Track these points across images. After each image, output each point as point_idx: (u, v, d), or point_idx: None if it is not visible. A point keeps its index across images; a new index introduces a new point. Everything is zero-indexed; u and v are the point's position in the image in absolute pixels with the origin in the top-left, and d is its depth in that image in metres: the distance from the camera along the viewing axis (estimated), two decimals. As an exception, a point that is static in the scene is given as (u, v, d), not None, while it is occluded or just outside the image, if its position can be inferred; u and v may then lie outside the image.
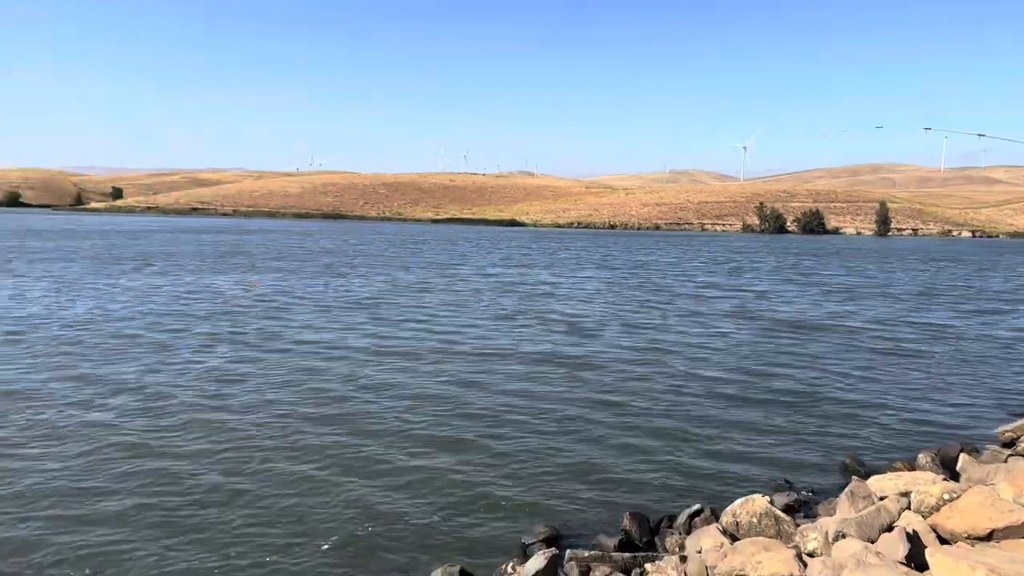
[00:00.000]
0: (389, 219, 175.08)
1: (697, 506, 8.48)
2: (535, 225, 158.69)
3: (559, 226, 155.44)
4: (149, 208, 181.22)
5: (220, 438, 10.74)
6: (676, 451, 10.69)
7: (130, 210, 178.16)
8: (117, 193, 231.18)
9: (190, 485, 9.04)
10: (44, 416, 11.53)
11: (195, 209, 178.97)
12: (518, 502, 8.79)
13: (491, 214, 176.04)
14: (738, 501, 7.84)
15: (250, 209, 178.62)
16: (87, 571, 6.99)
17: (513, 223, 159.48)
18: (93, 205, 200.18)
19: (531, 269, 42.83)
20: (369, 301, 25.24)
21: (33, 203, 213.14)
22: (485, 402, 12.70)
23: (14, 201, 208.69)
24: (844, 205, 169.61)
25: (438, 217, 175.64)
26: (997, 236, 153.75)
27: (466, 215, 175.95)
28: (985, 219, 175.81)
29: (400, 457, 10.13)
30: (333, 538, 7.78)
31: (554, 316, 22.93)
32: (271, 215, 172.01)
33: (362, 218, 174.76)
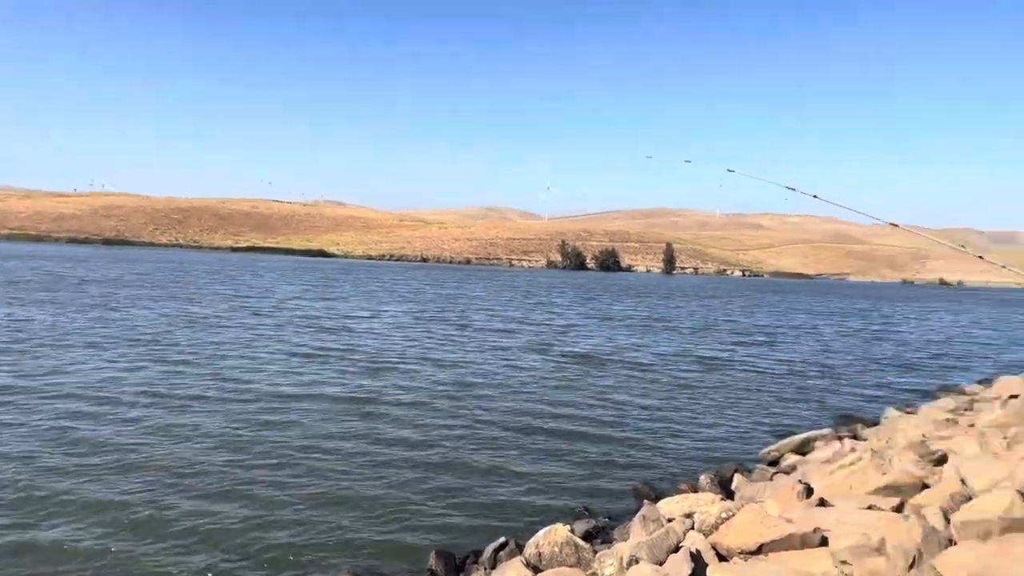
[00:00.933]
0: (183, 247, 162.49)
1: (502, 539, 8.54)
2: (346, 256, 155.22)
3: (371, 258, 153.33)
4: None
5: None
6: (480, 487, 10.74)
7: None
8: None
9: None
10: None
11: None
12: (317, 552, 8.32)
13: (298, 244, 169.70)
14: (541, 532, 8.00)
15: (14, 231, 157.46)
16: None
17: (322, 254, 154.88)
18: None
19: (337, 302, 41.63)
20: (147, 338, 22.86)
21: None
22: (274, 448, 11.83)
23: None
24: (637, 245, 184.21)
25: (238, 245, 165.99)
26: (762, 275, 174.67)
27: (270, 244, 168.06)
28: (752, 260, 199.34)
29: (175, 509, 9.21)
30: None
31: (355, 352, 22.21)
32: (39, 239, 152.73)
33: (151, 245, 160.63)
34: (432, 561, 7.96)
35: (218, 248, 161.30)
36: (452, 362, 21.20)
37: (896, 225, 9.21)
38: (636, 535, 7.93)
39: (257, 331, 25.93)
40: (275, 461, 11.20)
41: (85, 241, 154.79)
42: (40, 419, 12.83)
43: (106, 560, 7.81)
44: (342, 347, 23.09)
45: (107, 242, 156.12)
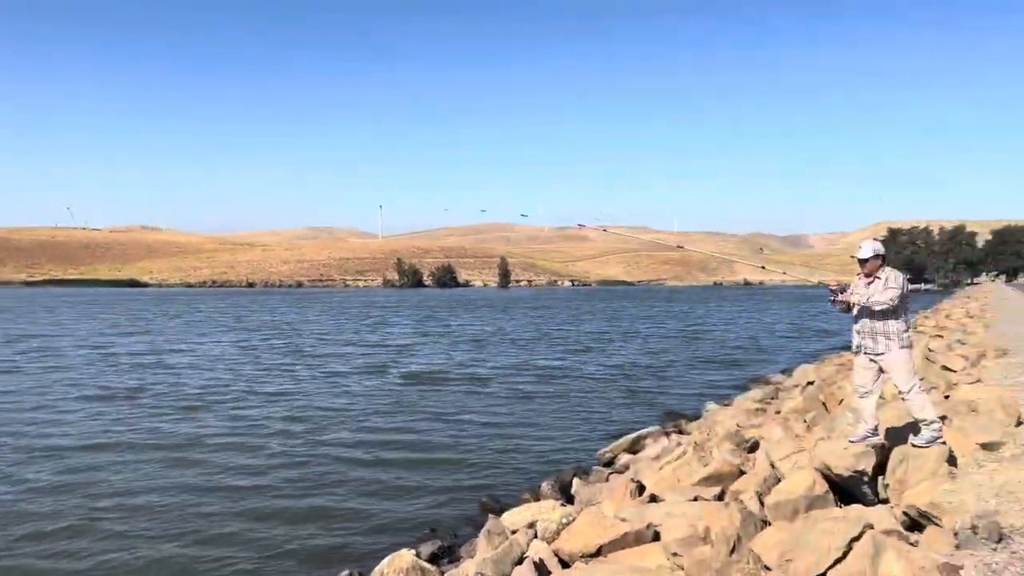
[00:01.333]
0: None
1: (346, 572, 8.20)
2: (160, 285, 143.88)
3: (190, 285, 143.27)
4: None
5: None
6: (318, 522, 10.24)
7: None
8: None
9: None
10: None
11: None
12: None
13: (105, 274, 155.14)
14: (385, 560, 7.75)
15: None
16: None
17: (134, 284, 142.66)
18: None
19: (148, 336, 38.36)
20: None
21: None
22: (77, 507, 10.53)
23: None
24: (472, 260, 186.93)
25: (33, 279, 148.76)
26: (589, 284, 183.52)
27: (72, 276, 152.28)
28: (580, 270, 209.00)
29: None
30: None
31: (171, 390, 20.29)
32: None
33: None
34: (269, 606, 7.45)
35: (8, 282, 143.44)
36: (282, 393, 20.02)
37: (583, 225, 10.28)
38: (482, 551, 7.91)
39: (53, 374, 23.21)
40: (78, 522, 9.99)
41: None
42: None
43: None
44: (155, 385, 21.15)
45: None
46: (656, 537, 6.07)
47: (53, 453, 13.38)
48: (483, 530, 8.58)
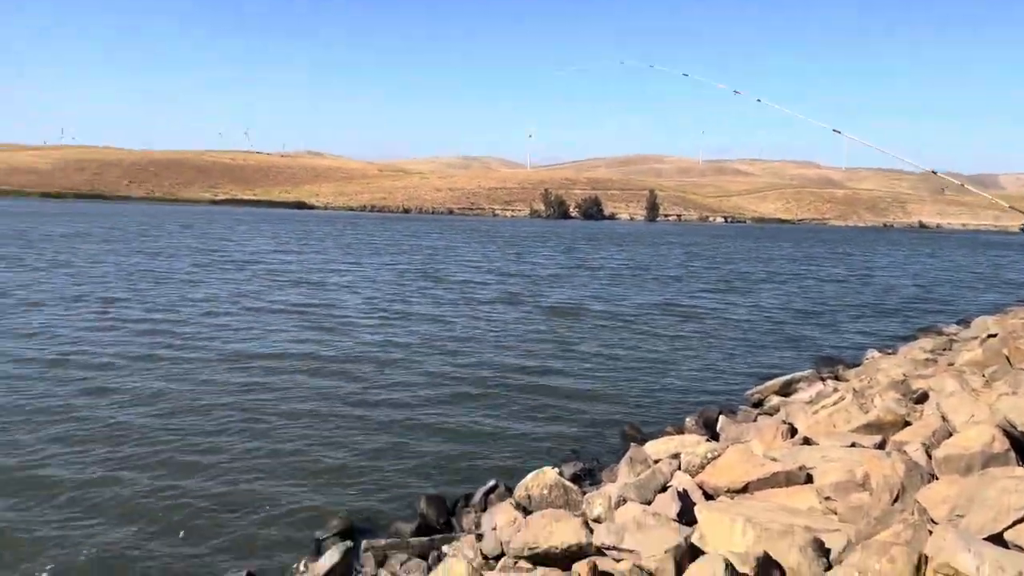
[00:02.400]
0: (160, 200, 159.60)
1: (492, 483, 8.67)
2: (325, 208, 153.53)
3: (351, 209, 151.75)
4: None
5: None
6: (469, 433, 10.85)
7: None
8: None
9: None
10: None
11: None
12: (309, 499, 8.40)
13: (277, 195, 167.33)
14: (530, 475, 8.10)
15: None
16: None
17: (302, 205, 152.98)
18: None
19: (312, 255, 41.26)
20: (103, 295, 22.35)
21: None
22: (256, 405, 11.68)
23: None
24: (619, 192, 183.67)
25: (216, 198, 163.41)
26: (744, 221, 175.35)
27: (249, 196, 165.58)
28: (734, 206, 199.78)
29: (169, 463, 9.23)
30: (102, 561, 6.90)
31: (331, 308, 21.64)
32: (10, 194, 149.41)
33: (127, 199, 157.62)
34: (423, 506, 8.05)
35: (196, 201, 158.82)
36: (431, 317, 20.85)
37: (839, 132, 9.39)
38: (623, 476, 8.06)
39: (229, 287, 25.65)
40: (256, 418, 11.18)
41: (58, 196, 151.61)
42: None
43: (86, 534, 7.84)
44: (311, 301, 22.77)
45: (80, 196, 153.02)
46: (808, 480, 5.90)
47: (226, 360, 14.99)
48: (625, 457, 8.72)
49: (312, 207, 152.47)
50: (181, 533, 7.43)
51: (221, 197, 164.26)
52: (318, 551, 7.10)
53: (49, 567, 6.69)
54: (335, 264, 35.52)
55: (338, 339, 17.02)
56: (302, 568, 6.78)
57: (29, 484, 8.41)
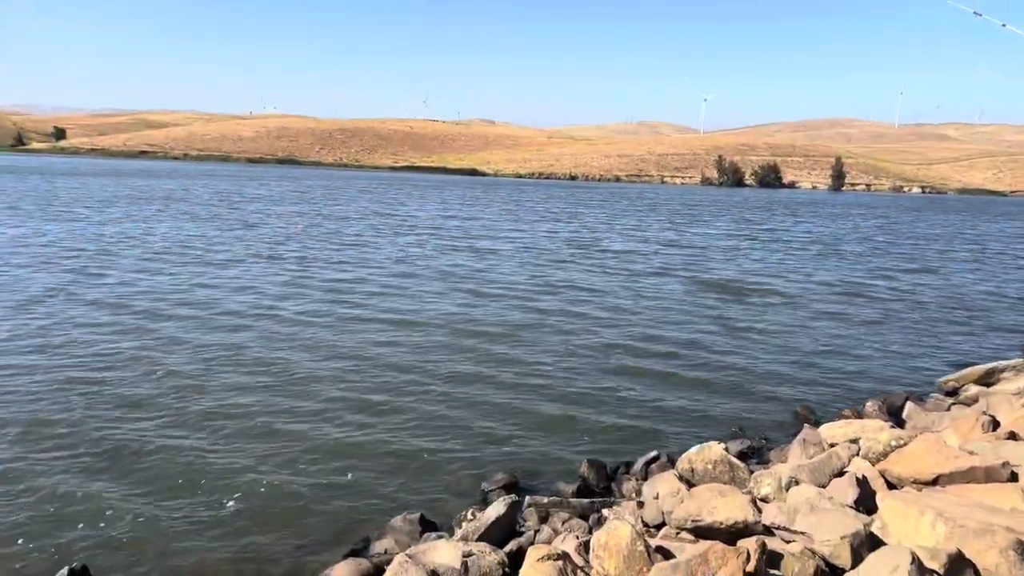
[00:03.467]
0: (346, 166, 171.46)
1: (654, 453, 8.62)
2: (496, 175, 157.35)
3: (520, 176, 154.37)
4: (94, 150, 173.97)
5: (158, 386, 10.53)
6: (630, 403, 10.81)
7: (74, 152, 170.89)
8: (59, 134, 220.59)
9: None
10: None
11: (143, 152, 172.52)
12: (476, 454, 8.81)
13: (451, 162, 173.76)
14: (694, 448, 7.97)
15: (201, 153, 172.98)
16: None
17: (474, 172, 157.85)
18: (34, 146, 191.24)
19: (478, 221, 42.45)
20: (276, 252, 24.49)
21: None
22: (427, 367, 12.23)
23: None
24: (801, 159, 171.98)
25: (396, 164, 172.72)
26: (946, 192, 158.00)
27: (425, 163, 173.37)
28: (936, 175, 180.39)
29: (351, 415, 10.01)
30: (295, 494, 7.71)
31: (495, 276, 22.23)
32: (224, 159, 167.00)
33: (318, 164, 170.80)
34: (584, 469, 8.18)
35: (378, 167, 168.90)
36: (593, 288, 20.55)
37: None
38: (795, 458, 7.72)
39: (398, 251, 27.05)
40: (430, 375, 11.82)
41: (260, 160, 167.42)
42: (184, 331, 14.39)
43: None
44: (481, 268, 23.33)
45: (279, 161, 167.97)
46: (1013, 478, 5.33)
47: (398, 322, 15.94)
48: (798, 438, 8.33)
49: (483, 174, 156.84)
50: (349, 475, 8.08)
51: (400, 164, 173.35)
52: (484, 501, 7.46)
53: (260, 493, 7.57)
54: (498, 230, 36.34)
55: (501, 306, 17.36)
56: (469, 516, 7.15)
57: (243, 426, 9.53)
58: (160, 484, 7.63)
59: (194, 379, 10.89)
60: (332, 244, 27.19)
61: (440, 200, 61.30)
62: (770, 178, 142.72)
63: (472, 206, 54.83)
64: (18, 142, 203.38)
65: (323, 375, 11.39)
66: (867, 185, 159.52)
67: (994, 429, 7.05)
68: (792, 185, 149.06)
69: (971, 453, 5.73)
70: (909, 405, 9.91)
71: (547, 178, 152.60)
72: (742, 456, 8.56)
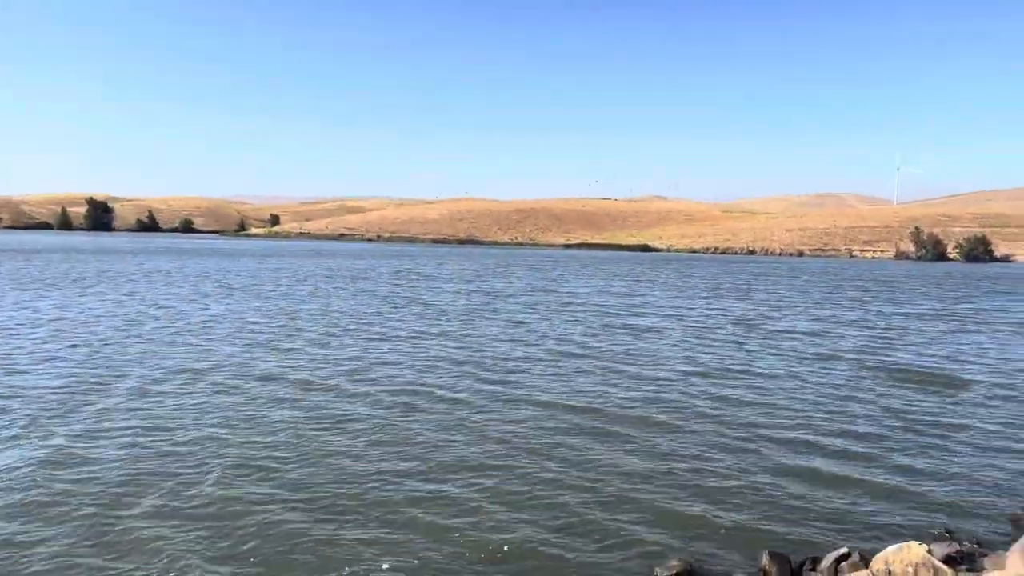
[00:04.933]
0: (521, 244, 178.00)
1: (844, 549, 8.02)
2: (668, 250, 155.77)
3: (694, 251, 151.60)
4: (302, 234, 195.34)
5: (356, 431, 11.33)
6: (819, 489, 10.16)
7: (286, 235, 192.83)
8: (274, 220, 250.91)
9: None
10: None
11: (342, 235, 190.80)
12: (649, 533, 8.67)
13: (623, 239, 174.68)
14: (892, 547, 7.35)
15: (392, 235, 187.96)
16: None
17: (646, 248, 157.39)
18: (254, 231, 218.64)
19: (634, 298, 41.91)
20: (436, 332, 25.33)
21: (203, 229, 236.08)
22: (594, 448, 12.25)
23: (188, 227, 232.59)
24: (1017, 230, 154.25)
25: (569, 242, 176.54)
26: None
27: (597, 240, 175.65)
28: None
29: (519, 484, 10.23)
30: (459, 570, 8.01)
31: (650, 359, 21.81)
32: (411, 240, 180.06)
33: (495, 243, 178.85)
34: (766, 561, 7.79)
35: (551, 245, 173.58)
36: (762, 373, 19.34)
37: None
38: (1015, 566, 6.88)
39: (552, 328, 27.37)
40: (594, 460, 11.83)
41: (443, 241, 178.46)
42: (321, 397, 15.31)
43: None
44: (635, 351, 22.91)
45: (460, 241, 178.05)
46: None
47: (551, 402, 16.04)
48: (1017, 544, 7.42)
49: (656, 249, 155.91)
50: (523, 554, 8.23)
51: (573, 241, 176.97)
52: (658, 586, 7.30)
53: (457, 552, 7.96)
54: (661, 307, 35.32)
55: (662, 391, 16.37)
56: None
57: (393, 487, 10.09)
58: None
59: (352, 459, 11.66)
60: (492, 321, 28.10)
61: (605, 275, 61.58)
62: (978, 251, 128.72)
63: (638, 282, 54.44)
64: (241, 228, 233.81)
65: (473, 456, 11.42)
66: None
67: None
68: (1006, 259, 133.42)
69: None
70: None
71: (723, 253, 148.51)
72: (948, 561, 7.72)
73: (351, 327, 25.16)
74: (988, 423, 13.91)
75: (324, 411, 13.74)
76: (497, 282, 49.82)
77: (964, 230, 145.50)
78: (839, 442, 12.51)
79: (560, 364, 19.24)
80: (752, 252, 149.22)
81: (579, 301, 37.25)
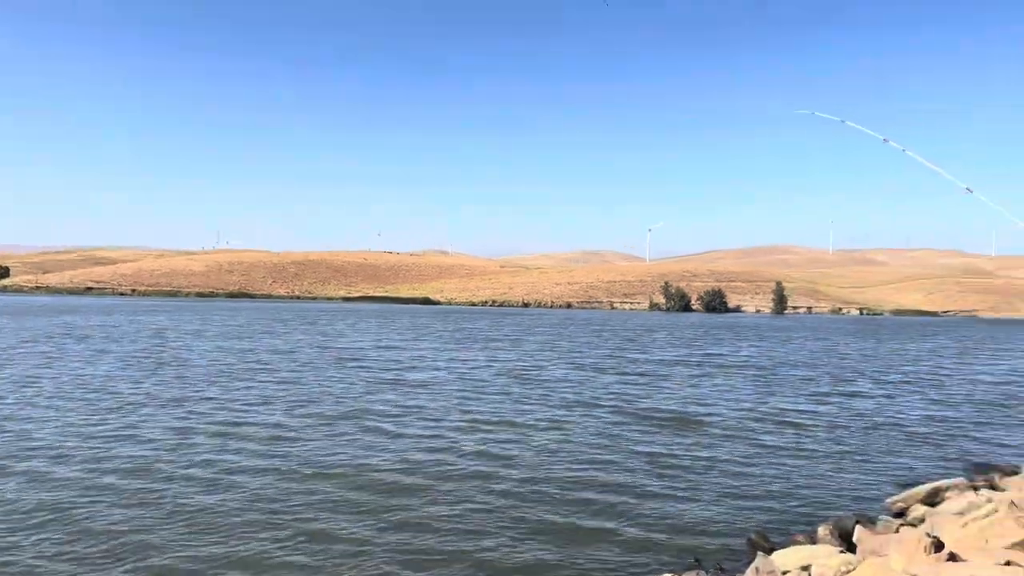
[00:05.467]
0: (299, 298, 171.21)
1: (609, 589, 8.42)
2: (449, 303, 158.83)
3: (473, 304, 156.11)
4: (38, 287, 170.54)
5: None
6: (572, 538, 10.58)
7: (17, 289, 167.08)
8: (3, 272, 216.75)
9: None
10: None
11: (89, 288, 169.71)
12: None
13: (405, 292, 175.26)
14: (649, 582, 7.83)
15: (150, 288, 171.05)
16: None
17: (427, 301, 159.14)
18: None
19: (410, 352, 42.35)
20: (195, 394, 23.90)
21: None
22: (365, 505, 12.05)
23: None
24: (744, 284, 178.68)
25: (350, 295, 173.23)
26: (881, 313, 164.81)
27: (379, 293, 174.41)
28: (872, 298, 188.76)
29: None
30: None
31: (422, 413, 22.24)
32: (172, 294, 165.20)
33: (269, 296, 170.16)
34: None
35: (331, 298, 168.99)
36: (521, 423, 20.04)
37: (971, 191, 8.95)
38: (749, 588, 7.63)
39: (324, 386, 26.76)
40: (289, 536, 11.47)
41: (211, 295, 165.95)
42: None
43: None
44: (406, 403, 22.99)
45: (230, 295, 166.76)
46: (954, 601, 5.39)
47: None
48: (751, 567, 8.27)
49: (437, 302, 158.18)
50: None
51: (354, 294, 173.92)
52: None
53: None
54: (436, 360, 35.43)
55: (408, 447, 15.85)
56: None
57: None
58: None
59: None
60: (262, 382, 26.51)
61: (385, 329, 60.99)
62: (716, 303, 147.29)
63: (419, 335, 54.38)
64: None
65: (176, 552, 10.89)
66: (808, 308, 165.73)
67: (937, 551, 7.14)
68: (737, 309, 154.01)
69: (914, 576, 5.80)
70: (859, 528, 9.96)
71: (501, 305, 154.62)
72: (697, 588, 8.42)
73: (90, 395, 21.99)
74: (726, 458, 15.58)
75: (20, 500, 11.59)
76: (271, 339, 47.05)
77: (704, 284, 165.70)
78: (593, 492, 12.82)
79: (329, 427, 17.89)
80: (527, 304, 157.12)
81: (357, 356, 36.28)
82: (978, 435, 19.14)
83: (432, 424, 18.68)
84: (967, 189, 8.95)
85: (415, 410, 20.68)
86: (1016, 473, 13.55)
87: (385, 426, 18.21)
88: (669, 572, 8.00)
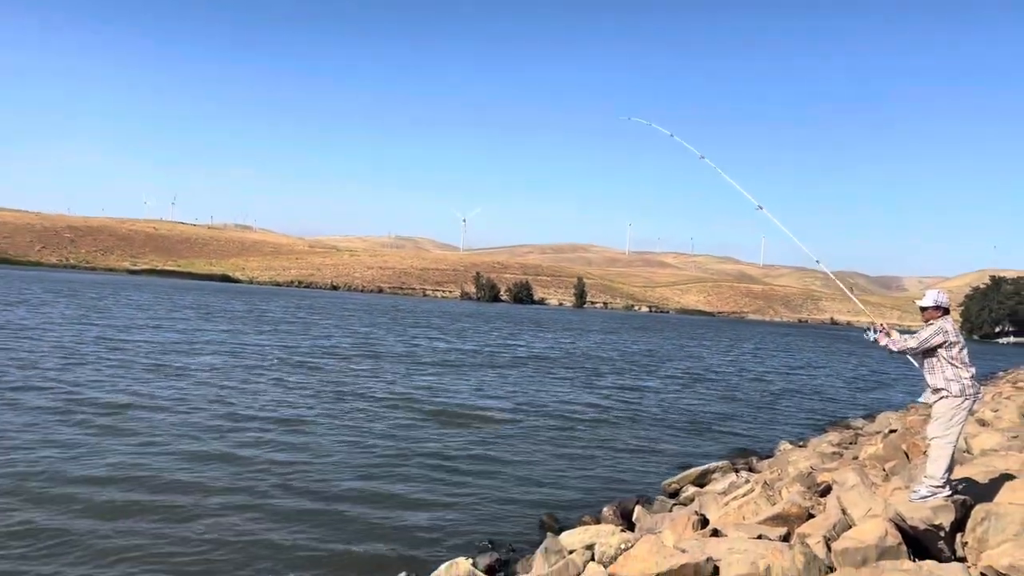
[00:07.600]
0: (74, 267, 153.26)
1: (402, 574, 8.38)
2: (251, 282, 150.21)
3: (278, 284, 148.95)
4: None
5: None
6: (376, 519, 10.48)
7: None
8: None
9: None
10: None
11: None
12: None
13: (201, 268, 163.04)
14: (442, 566, 7.91)
15: None
16: None
17: (226, 279, 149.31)
18: None
19: (194, 333, 39.92)
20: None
21: None
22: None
23: None
24: (549, 278, 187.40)
25: (136, 268, 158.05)
26: (667, 311, 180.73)
27: (170, 267, 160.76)
28: (659, 296, 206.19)
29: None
30: None
31: (170, 406, 21.16)
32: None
33: (38, 264, 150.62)
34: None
35: (113, 270, 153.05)
36: (294, 418, 19.84)
37: (762, 208, 10.24)
38: (538, 568, 7.96)
39: (110, 359, 24.55)
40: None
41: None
42: None
43: None
44: (153, 395, 21.80)
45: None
46: (715, 572, 5.97)
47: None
48: (540, 547, 8.61)
49: (237, 281, 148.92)
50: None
51: (141, 267, 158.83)
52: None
53: None
54: (218, 343, 32.11)
55: (166, 447, 14.17)
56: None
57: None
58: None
59: None
60: None
61: (167, 308, 54.39)
62: (523, 295, 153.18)
63: (205, 315, 49.71)
64: None
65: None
66: (604, 303, 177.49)
67: (703, 527, 7.90)
68: (542, 301, 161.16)
69: (683, 551, 6.34)
70: (638, 508, 10.77)
71: (307, 287, 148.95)
72: (490, 570, 8.62)
73: None
74: (523, 448, 16.08)
75: None
76: (9, 312, 39.71)
77: (513, 276, 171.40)
78: (384, 484, 12.42)
79: (65, 421, 15.03)
80: (336, 287, 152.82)
81: (125, 336, 31.36)
82: (744, 424, 21.51)
83: (181, 417, 15.77)
84: (759, 207, 9.98)
85: (169, 402, 17.26)
86: (770, 456, 15.39)
87: (102, 421, 14.83)
88: (463, 556, 8.11)
